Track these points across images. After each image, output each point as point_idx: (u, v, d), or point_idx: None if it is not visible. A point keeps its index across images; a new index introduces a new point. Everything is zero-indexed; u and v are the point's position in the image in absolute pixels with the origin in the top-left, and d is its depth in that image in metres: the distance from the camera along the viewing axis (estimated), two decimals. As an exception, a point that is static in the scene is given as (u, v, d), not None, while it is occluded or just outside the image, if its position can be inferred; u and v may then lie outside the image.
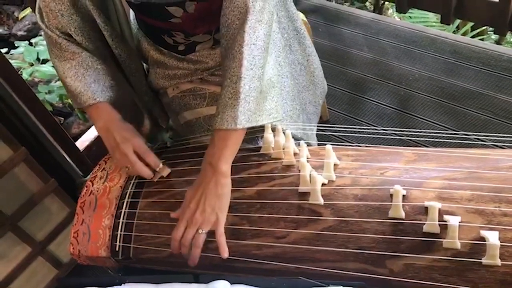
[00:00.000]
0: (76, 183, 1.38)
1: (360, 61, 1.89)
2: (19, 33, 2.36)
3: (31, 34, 2.33)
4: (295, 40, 1.06)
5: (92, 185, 0.92)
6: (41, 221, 1.24)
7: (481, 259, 0.66)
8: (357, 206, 0.75)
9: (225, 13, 0.76)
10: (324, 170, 0.79)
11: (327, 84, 1.24)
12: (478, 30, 2.23)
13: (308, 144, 0.94)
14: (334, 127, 1.05)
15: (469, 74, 1.72)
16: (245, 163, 0.85)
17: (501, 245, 0.64)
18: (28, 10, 2.34)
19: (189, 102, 0.95)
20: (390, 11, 2.72)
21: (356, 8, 2.37)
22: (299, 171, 0.79)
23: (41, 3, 0.82)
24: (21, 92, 1.21)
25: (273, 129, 0.86)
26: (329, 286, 0.58)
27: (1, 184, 1.12)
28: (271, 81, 0.81)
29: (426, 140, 1.39)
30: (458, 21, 2.22)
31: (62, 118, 1.84)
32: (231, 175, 0.78)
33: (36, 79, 1.91)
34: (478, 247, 0.67)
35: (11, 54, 2.03)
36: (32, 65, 1.89)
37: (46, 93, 1.78)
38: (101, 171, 0.94)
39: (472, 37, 2.18)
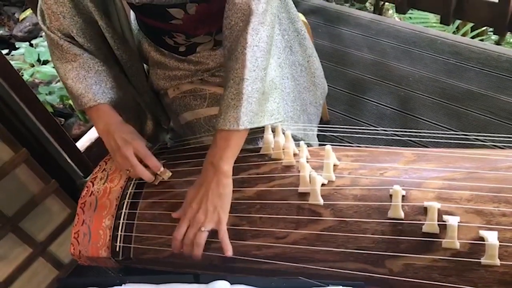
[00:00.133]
0: (77, 184, 1.38)
1: (360, 61, 1.89)
2: (20, 34, 2.36)
3: (31, 35, 2.32)
4: (295, 41, 1.06)
5: (93, 186, 0.92)
6: (42, 222, 1.24)
7: (480, 259, 0.67)
8: (356, 207, 0.75)
9: (228, 15, 0.76)
10: (323, 170, 0.79)
11: (328, 85, 1.24)
12: (478, 31, 2.23)
13: (309, 145, 0.94)
14: (334, 127, 1.05)
15: (469, 74, 1.72)
16: (245, 163, 0.85)
17: (500, 245, 0.65)
18: (28, 12, 2.34)
19: (189, 103, 0.95)
20: (390, 12, 2.72)
21: (356, 9, 2.37)
22: (299, 171, 0.79)
23: (43, 5, 0.82)
24: (22, 93, 1.21)
25: (273, 130, 0.87)
26: (328, 286, 0.58)
27: (2, 185, 1.12)
28: (273, 82, 0.82)
29: (426, 141, 1.39)
30: (458, 22, 2.22)
31: (63, 119, 1.83)
32: None
33: (37, 80, 1.91)
34: (477, 247, 0.67)
35: (11, 55, 2.03)
36: (32, 66, 1.89)
37: (46, 94, 1.78)
38: (102, 172, 0.95)
39: (472, 37, 2.18)
